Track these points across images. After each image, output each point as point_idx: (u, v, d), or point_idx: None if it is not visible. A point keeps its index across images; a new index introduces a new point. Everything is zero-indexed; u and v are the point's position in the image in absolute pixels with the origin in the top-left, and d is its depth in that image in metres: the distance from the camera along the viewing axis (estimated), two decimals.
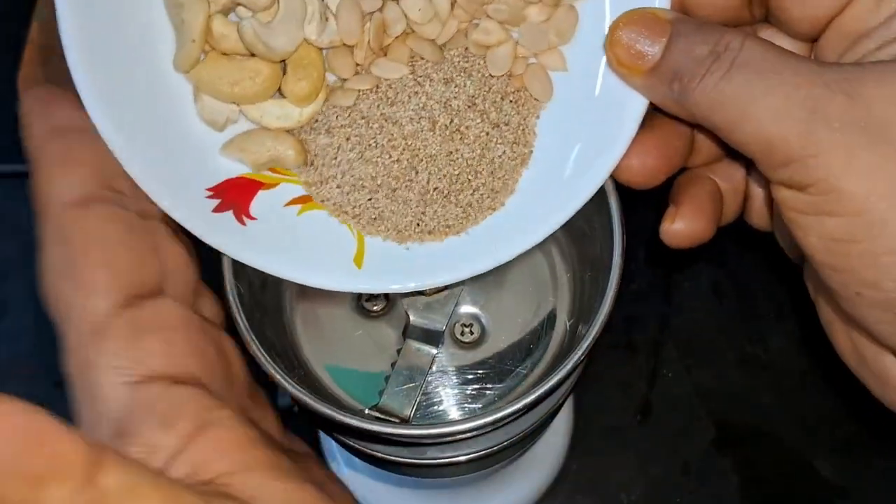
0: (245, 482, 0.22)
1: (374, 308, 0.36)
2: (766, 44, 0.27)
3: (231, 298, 0.30)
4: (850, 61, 0.28)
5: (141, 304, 0.25)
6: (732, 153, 0.32)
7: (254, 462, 0.23)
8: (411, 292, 0.34)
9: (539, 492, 0.48)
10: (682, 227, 0.31)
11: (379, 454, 0.34)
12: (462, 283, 0.32)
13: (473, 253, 0.30)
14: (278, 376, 0.29)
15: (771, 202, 0.32)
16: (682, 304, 0.54)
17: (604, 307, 0.30)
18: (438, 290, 0.34)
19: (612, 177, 0.30)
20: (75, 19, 0.27)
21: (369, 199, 0.31)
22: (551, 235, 0.30)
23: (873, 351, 0.28)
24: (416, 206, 0.31)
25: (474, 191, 0.31)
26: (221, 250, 0.29)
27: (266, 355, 0.29)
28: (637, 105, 0.29)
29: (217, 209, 0.30)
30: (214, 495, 0.21)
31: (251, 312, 0.31)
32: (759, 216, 0.34)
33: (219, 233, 0.29)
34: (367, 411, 0.34)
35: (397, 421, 0.33)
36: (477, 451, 0.33)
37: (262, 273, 0.30)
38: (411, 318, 0.34)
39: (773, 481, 0.50)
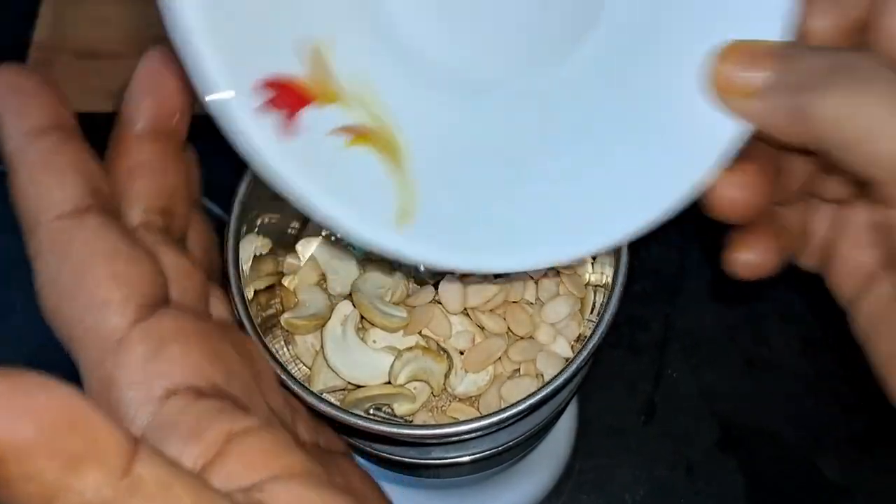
0: (279, 492, 0.21)
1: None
2: (884, 61, 0.24)
3: (237, 301, 0.30)
4: None
5: (154, 314, 0.24)
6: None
7: (287, 469, 0.22)
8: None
9: (543, 492, 0.48)
10: (753, 257, 0.27)
11: (384, 454, 0.34)
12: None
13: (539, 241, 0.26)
14: (284, 376, 0.29)
15: (827, 245, 0.29)
16: (686, 305, 0.54)
17: (608, 308, 0.30)
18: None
19: (709, 211, 0.26)
20: None
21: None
22: None
23: None
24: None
25: None
26: (250, 155, 0.24)
27: (275, 357, 0.29)
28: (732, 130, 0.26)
29: (264, 107, 0.24)
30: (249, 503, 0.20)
31: (256, 311, 0.31)
32: (811, 256, 0.31)
33: (256, 134, 0.24)
34: (371, 412, 0.34)
35: (402, 421, 0.34)
36: (481, 452, 0.33)
37: (268, 275, 0.30)
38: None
39: (777, 482, 0.50)
